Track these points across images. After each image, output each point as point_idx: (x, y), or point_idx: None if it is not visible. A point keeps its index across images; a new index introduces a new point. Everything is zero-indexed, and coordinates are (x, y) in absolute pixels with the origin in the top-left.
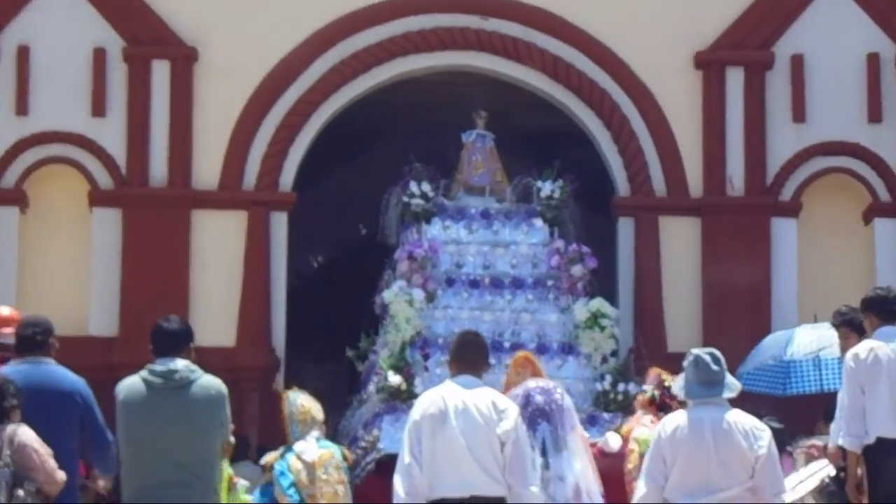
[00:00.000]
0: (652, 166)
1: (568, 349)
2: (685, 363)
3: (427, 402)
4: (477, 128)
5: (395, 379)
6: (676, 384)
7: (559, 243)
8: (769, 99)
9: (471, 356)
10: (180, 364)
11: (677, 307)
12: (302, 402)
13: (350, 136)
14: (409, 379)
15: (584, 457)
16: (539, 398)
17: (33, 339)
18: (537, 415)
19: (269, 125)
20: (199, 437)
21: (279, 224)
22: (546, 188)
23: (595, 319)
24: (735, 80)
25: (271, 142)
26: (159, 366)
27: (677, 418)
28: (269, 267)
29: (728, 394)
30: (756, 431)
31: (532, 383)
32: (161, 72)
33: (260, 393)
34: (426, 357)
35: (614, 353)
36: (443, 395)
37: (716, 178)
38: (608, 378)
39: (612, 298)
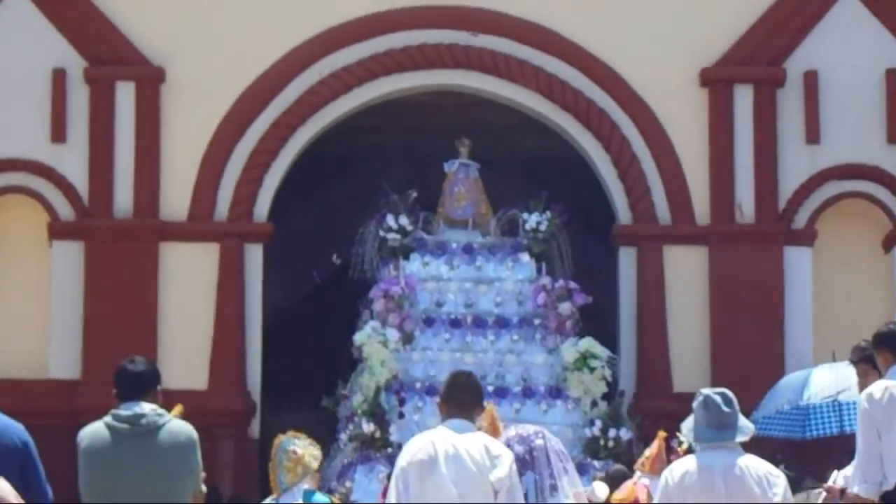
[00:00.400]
0: (655, 192)
1: (555, 392)
2: (694, 404)
3: (415, 447)
4: (460, 156)
5: (368, 426)
6: (684, 426)
7: (546, 280)
8: (781, 119)
9: (463, 398)
10: (147, 408)
11: (683, 344)
12: (294, 449)
13: (329, 161)
14: (383, 426)
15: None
16: (518, 448)
17: None
18: (518, 466)
19: (242, 151)
20: (168, 487)
21: (254, 257)
22: (532, 220)
23: (584, 360)
24: (744, 98)
25: (245, 168)
26: (124, 410)
27: (686, 464)
28: (243, 303)
29: (741, 437)
30: (770, 478)
31: (512, 431)
32: (126, 94)
33: (234, 440)
34: (402, 402)
35: (605, 397)
36: (432, 440)
37: (724, 204)
38: (598, 423)
39: (612, 335)
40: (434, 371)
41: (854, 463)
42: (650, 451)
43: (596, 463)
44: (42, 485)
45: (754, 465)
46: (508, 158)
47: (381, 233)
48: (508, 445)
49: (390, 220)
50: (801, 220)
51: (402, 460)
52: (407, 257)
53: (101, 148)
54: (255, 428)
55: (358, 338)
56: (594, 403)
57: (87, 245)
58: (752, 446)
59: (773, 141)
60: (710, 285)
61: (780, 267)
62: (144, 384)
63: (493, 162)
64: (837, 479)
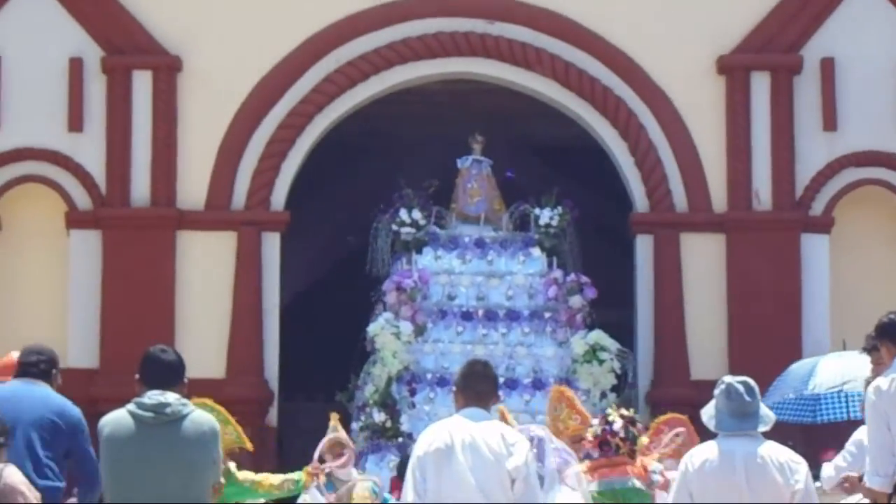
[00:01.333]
0: (672, 179)
1: (565, 384)
2: (716, 392)
3: (432, 436)
4: (473, 152)
5: (379, 416)
6: (705, 413)
7: (557, 273)
8: (798, 106)
9: (479, 387)
10: (171, 397)
11: (701, 332)
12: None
13: (346, 150)
14: (394, 416)
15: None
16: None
17: (36, 365)
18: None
19: (259, 139)
20: (190, 477)
21: (271, 245)
22: (544, 216)
23: (594, 353)
24: (761, 85)
25: (262, 157)
26: (148, 399)
27: (706, 450)
28: (260, 292)
29: (762, 427)
30: (792, 465)
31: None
32: (143, 83)
33: (252, 428)
34: (413, 393)
35: (615, 389)
36: (449, 428)
37: (741, 191)
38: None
39: (629, 322)
40: (446, 363)
41: (844, 453)
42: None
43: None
44: (87, 473)
45: (776, 453)
46: (524, 147)
47: (395, 227)
48: None
49: (403, 215)
50: (818, 208)
51: (419, 449)
52: (420, 251)
53: (118, 137)
54: (272, 416)
55: (371, 329)
56: (603, 395)
57: (105, 234)
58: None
59: (790, 128)
60: (728, 273)
61: (797, 254)
62: (173, 375)
63: (508, 150)
64: (826, 470)
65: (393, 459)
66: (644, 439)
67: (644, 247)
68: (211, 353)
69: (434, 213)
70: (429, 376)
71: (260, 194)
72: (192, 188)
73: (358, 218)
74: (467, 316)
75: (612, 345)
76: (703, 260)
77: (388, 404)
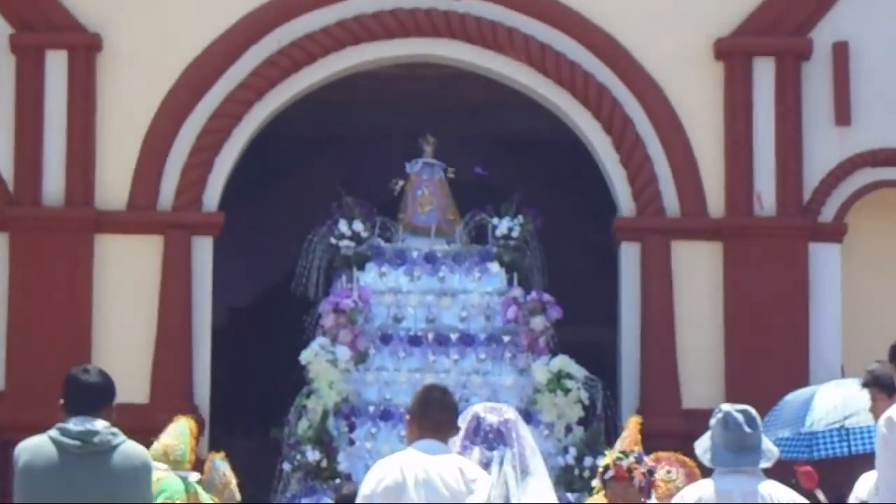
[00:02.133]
0: (662, 180)
1: (526, 417)
2: (712, 422)
3: (381, 472)
4: (424, 155)
5: (313, 454)
6: (699, 446)
7: (516, 291)
8: (806, 97)
9: (437, 416)
10: (100, 425)
11: (694, 354)
12: (226, 472)
13: (290, 144)
14: (330, 454)
15: (551, 485)
16: (491, 417)
17: None
18: (492, 438)
19: (189, 130)
20: None
21: (203, 252)
22: (503, 226)
23: (558, 381)
24: (764, 73)
25: (192, 151)
26: (74, 425)
27: (700, 489)
28: (190, 305)
29: (764, 463)
30: None
31: (479, 406)
32: (56, 64)
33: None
34: (351, 428)
35: (581, 422)
36: (401, 464)
37: (741, 194)
38: (572, 451)
39: (611, 342)
40: (389, 394)
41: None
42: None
43: (570, 495)
44: None
45: (777, 493)
46: (494, 140)
47: (333, 240)
48: (480, 416)
49: (343, 227)
50: (828, 213)
51: (367, 487)
52: (362, 267)
53: (27, 126)
54: (203, 447)
55: (304, 356)
56: (569, 429)
57: (12, 237)
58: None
59: (798, 122)
60: (725, 287)
61: (804, 266)
62: (99, 398)
63: (476, 144)
64: None
65: None
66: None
67: (629, 256)
68: (133, 375)
69: (378, 225)
70: (371, 409)
71: (190, 193)
72: (113, 186)
73: (304, 222)
74: (415, 340)
75: (579, 371)
76: (698, 272)
77: (323, 441)
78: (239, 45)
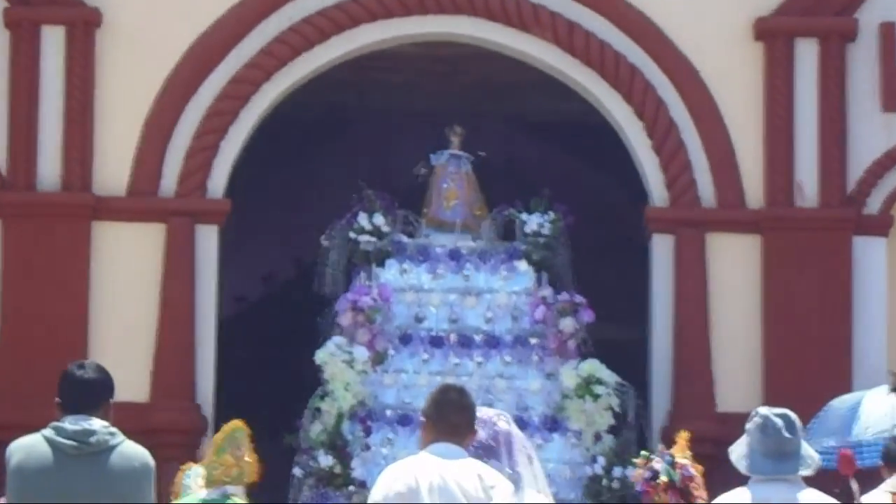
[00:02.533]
0: (697, 168)
1: (552, 424)
2: (749, 426)
3: (392, 477)
4: (451, 146)
5: (326, 460)
6: (734, 452)
7: (546, 291)
8: (851, 81)
9: (453, 418)
10: (97, 424)
11: (730, 354)
12: (244, 453)
13: (301, 127)
14: (344, 460)
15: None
16: (481, 433)
17: None
18: (481, 453)
19: (194, 112)
20: None
21: (207, 241)
22: (532, 222)
23: (587, 387)
24: (807, 55)
25: (197, 134)
26: (70, 424)
27: (736, 497)
28: (193, 297)
29: (804, 471)
30: None
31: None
32: (53, 41)
33: (181, 463)
34: (367, 432)
35: (612, 430)
36: (414, 469)
37: (781, 184)
38: (601, 460)
39: (642, 342)
40: (409, 397)
41: None
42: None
43: None
44: None
45: (820, 502)
46: (517, 124)
47: (352, 234)
48: None
49: (363, 220)
50: (874, 205)
51: (377, 494)
52: (382, 264)
53: (22, 107)
54: (206, 449)
55: (319, 356)
56: (598, 437)
57: (5, 224)
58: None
59: (842, 108)
60: (763, 283)
61: (848, 260)
62: (96, 395)
63: (498, 127)
64: None
65: None
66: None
67: (662, 249)
68: (132, 372)
69: (400, 219)
70: (388, 413)
71: (194, 179)
72: (112, 170)
73: (315, 209)
74: (437, 342)
75: (610, 377)
76: (734, 266)
77: (337, 446)
78: (247, 22)
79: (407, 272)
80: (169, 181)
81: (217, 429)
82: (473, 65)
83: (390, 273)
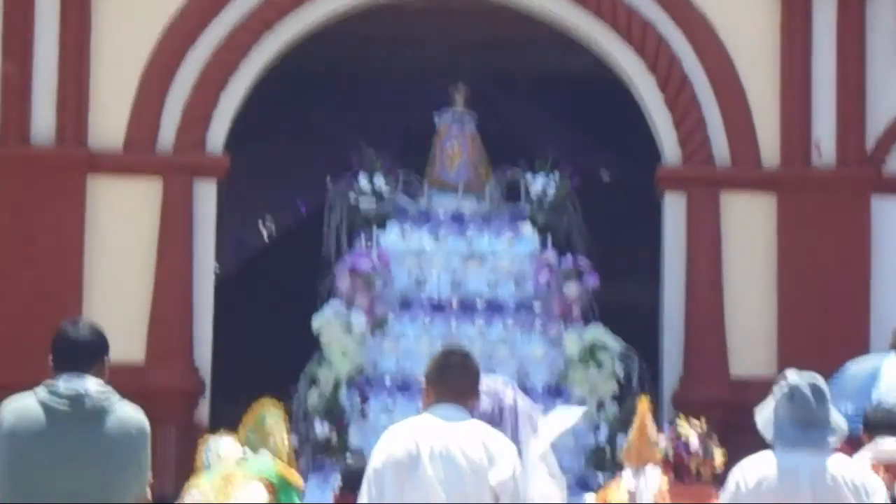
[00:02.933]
0: (711, 125)
1: (556, 392)
2: (776, 393)
3: (392, 441)
4: (454, 105)
5: (322, 428)
6: (760, 417)
7: (550, 255)
8: (870, 36)
9: (456, 380)
10: (92, 385)
11: (744, 317)
12: (223, 450)
13: (302, 80)
14: (341, 428)
15: (545, 475)
16: (485, 402)
17: None
18: (486, 423)
19: (192, 64)
20: (111, 486)
21: (206, 197)
22: (537, 184)
23: (591, 353)
24: (825, 8)
25: (196, 86)
26: (64, 385)
27: (763, 465)
28: (191, 255)
29: (832, 439)
30: (869, 486)
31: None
32: None
33: (178, 426)
34: (364, 400)
35: (616, 397)
36: (415, 432)
37: (798, 142)
38: (604, 429)
39: (654, 300)
40: (408, 364)
41: None
42: (631, 434)
43: (601, 475)
44: None
45: (849, 471)
46: (526, 80)
47: (353, 196)
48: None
49: (363, 181)
50: (893, 164)
51: (377, 459)
52: (382, 226)
53: (15, 57)
54: (203, 412)
55: (316, 322)
56: (601, 405)
57: (0, 179)
58: None
59: (861, 64)
60: (779, 243)
61: (866, 222)
62: (90, 354)
63: (507, 84)
64: None
65: (338, 479)
66: (631, 434)
67: (674, 209)
68: (127, 331)
69: (402, 180)
70: (387, 380)
71: (193, 133)
72: (108, 123)
73: (316, 166)
74: (438, 307)
75: (615, 343)
76: (749, 226)
77: (334, 414)
78: None
79: (408, 235)
80: (166, 135)
81: (214, 392)
82: (482, 19)
83: (391, 236)
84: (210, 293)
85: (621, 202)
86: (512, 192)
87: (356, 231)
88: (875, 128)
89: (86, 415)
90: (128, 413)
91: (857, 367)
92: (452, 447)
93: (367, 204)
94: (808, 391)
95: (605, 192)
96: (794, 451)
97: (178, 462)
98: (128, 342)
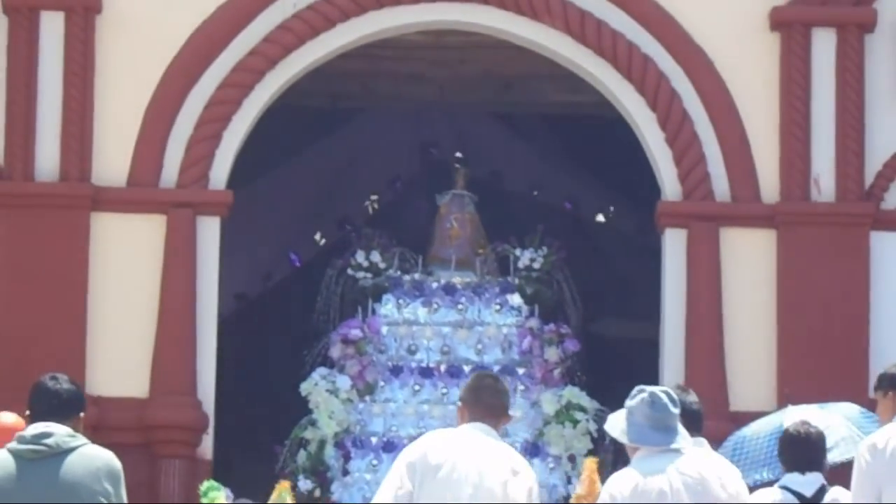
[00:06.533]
0: (711, 161)
1: (534, 450)
2: (633, 402)
3: (427, 444)
4: (455, 186)
5: (305, 484)
6: (616, 428)
7: (533, 322)
8: (869, 73)
9: (488, 400)
10: (57, 429)
11: (744, 351)
12: None
13: (305, 116)
14: (324, 484)
15: None
16: None
17: None
18: None
19: (196, 101)
20: None
21: (209, 233)
22: (525, 257)
23: (567, 413)
24: (824, 46)
25: (199, 123)
26: (31, 432)
27: (630, 475)
28: (194, 290)
29: (683, 441)
30: (730, 477)
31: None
32: (52, 27)
33: (181, 461)
34: (346, 458)
35: (590, 453)
36: (447, 441)
37: (797, 178)
38: (576, 482)
39: (654, 335)
40: (396, 425)
41: None
42: (579, 488)
43: None
44: None
45: (710, 466)
46: (527, 115)
47: (350, 271)
48: None
49: (360, 258)
50: (892, 200)
51: (411, 454)
52: (378, 299)
53: (19, 94)
54: (207, 446)
55: (304, 387)
56: (571, 459)
57: (1, 215)
58: None
59: (860, 100)
60: (778, 279)
61: (865, 257)
62: (66, 407)
63: (510, 121)
64: None
65: None
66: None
67: (674, 244)
68: (132, 367)
69: (397, 257)
70: (373, 440)
71: (196, 169)
72: (112, 160)
73: (321, 200)
74: (426, 372)
75: (590, 403)
76: (749, 262)
77: (318, 471)
78: (250, 9)
79: (403, 307)
80: (170, 172)
81: (218, 426)
82: (481, 55)
83: (387, 308)
84: (213, 329)
85: (621, 237)
86: (503, 266)
87: (351, 303)
88: (874, 164)
89: (49, 454)
90: (93, 451)
91: (753, 433)
92: (479, 460)
93: (364, 281)
94: (664, 398)
95: (606, 226)
96: (655, 456)
97: (183, 496)
98: (132, 377)
